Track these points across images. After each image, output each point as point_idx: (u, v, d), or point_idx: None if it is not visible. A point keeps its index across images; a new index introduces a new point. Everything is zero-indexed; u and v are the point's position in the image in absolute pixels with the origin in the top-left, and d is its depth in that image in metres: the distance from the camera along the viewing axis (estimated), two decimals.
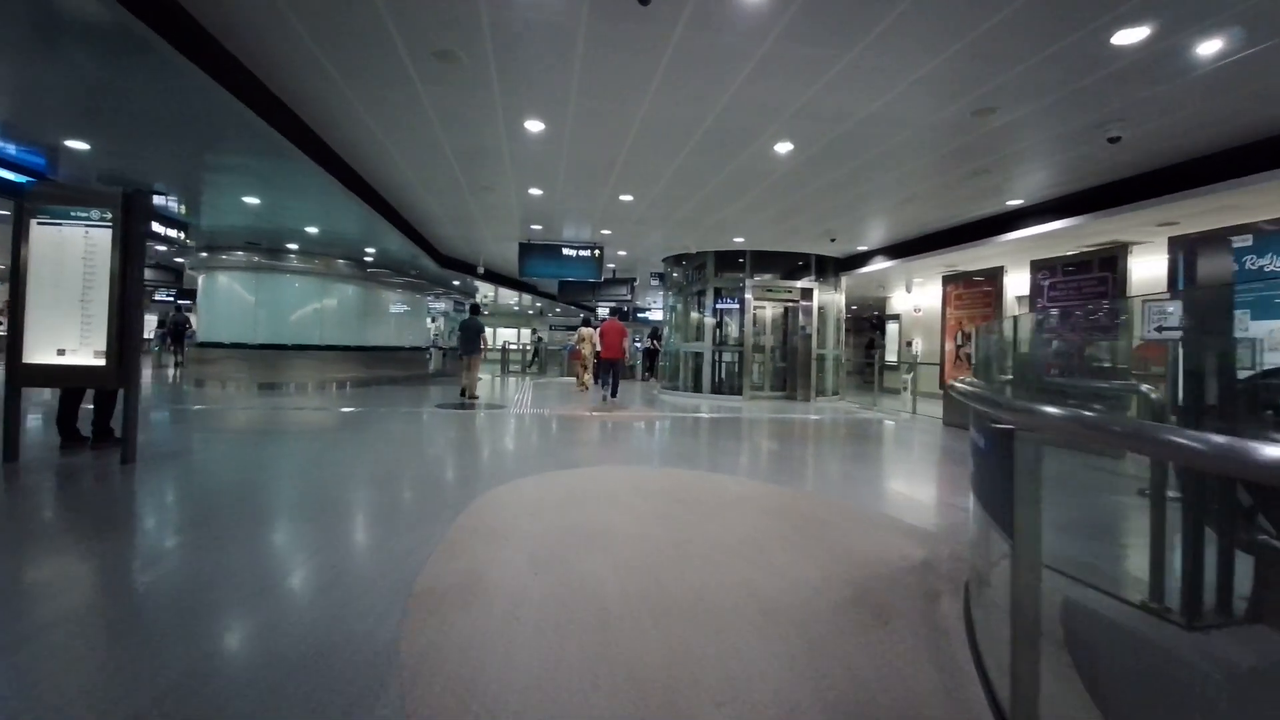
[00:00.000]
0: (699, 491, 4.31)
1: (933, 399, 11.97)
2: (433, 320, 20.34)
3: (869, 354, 17.28)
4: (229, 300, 11.73)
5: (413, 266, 13.52)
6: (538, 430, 7.44)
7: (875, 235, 10.37)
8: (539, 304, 26.83)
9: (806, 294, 12.53)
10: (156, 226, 8.49)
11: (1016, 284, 8.05)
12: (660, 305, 25.87)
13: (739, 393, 12.28)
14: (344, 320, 12.81)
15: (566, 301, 21.67)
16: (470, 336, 10.30)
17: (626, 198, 8.26)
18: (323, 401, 9.60)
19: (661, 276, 14.59)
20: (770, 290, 12.45)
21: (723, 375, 12.83)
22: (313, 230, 9.74)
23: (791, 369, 12.87)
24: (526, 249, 11.62)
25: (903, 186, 7.29)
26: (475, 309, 10.86)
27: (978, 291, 8.25)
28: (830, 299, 12.84)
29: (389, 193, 8.41)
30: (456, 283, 17.33)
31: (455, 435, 6.72)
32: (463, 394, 10.08)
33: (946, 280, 8.84)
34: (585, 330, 13.17)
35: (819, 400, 12.30)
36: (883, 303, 17.46)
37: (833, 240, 10.05)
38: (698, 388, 12.63)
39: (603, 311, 26.30)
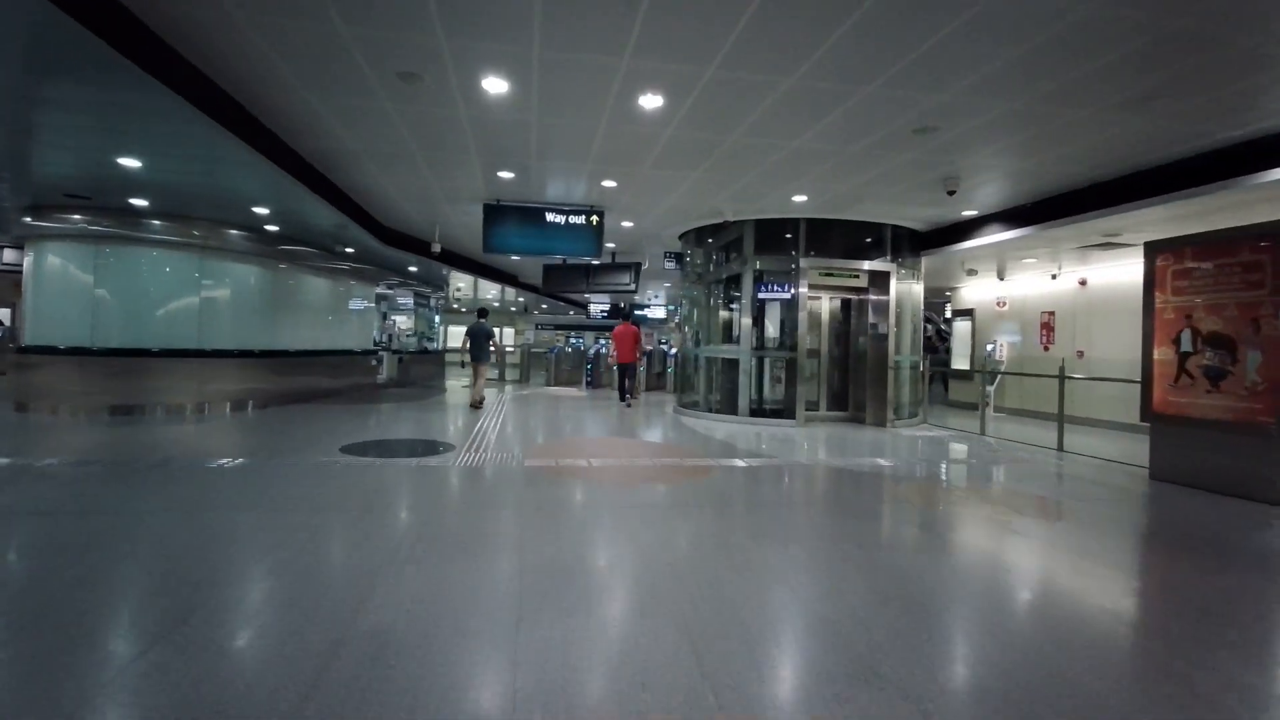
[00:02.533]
0: None
1: (1083, 426, 8.79)
2: (385, 317, 16.68)
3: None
4: (63, 285, 8.15)
5: (340, 241, 10.02)
6: (482, 521, 4.03)
7: (1000, 188, 7.05)
8: (522, 298, 23.34)
9: (878, 280, 9.21)
10: None
11: None
12: (661, 301, 22.39)
13: (787, 415, 8.92)
14: (242, 314, 9.25)
15: (550, 294, 17.79)
16: (479, 341, 9.89)
17: (654, 100, 4.85)
18: (168, 438, 6.10)
19: (679, 258, 11.16)
20: (832, 274, 9.10)
21: (762, 391, 9.49)
22: (135, 164, 6.09)
23: (859, 383, 9.55)
24: (494, 213, 8.21)
25: (1142, 73, 3.98)
26: (484, 312, 10.18)
27: (1232, 264, 4.97)
28: (906, 289, 9.54)
29: (246, 90, 4.93)
30: (414, 269, 13.80)
31: (312, 555, 3.28)
32: (474, 406, 9.66)
33: (1154, 249, 5.57)
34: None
35: (898, 425, 8.99)
36: (943, 296, 14.21)
37: (951, 193, 6.72)
38: (730, 408, 9.24)
39: (595, 309, 22.80)
